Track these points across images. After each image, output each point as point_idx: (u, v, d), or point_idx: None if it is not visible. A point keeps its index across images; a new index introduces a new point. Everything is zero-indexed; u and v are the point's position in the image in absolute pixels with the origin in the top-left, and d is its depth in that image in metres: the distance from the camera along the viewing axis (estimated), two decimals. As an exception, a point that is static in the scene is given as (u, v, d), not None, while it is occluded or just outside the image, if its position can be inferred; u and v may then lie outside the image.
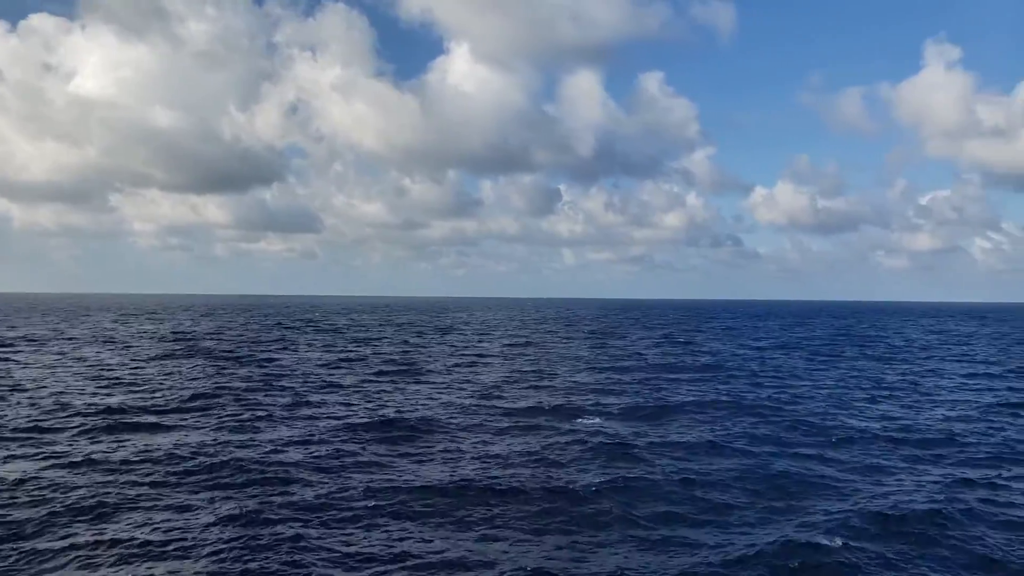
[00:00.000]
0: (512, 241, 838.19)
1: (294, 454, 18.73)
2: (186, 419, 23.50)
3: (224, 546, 12.33)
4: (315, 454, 18.80)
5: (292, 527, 13.20)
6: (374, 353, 49.15)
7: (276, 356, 46.19)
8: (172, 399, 27.38)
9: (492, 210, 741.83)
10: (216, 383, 32.10)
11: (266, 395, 29.07)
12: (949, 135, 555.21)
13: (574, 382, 34.93)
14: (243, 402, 27.15)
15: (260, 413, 24.64)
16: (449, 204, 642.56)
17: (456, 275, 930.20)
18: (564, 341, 65.40)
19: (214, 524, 13.36)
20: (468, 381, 34.75)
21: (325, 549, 12.29)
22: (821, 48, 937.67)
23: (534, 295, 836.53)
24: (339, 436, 21.04)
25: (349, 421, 23.34)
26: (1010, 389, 35.01)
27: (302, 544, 12.47)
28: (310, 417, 24.27)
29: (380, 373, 37.49)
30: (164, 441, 20.16)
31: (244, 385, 31.65)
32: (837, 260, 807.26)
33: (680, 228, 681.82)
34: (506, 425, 23.43)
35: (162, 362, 41.48)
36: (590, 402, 28.52)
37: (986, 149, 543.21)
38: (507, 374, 38.01)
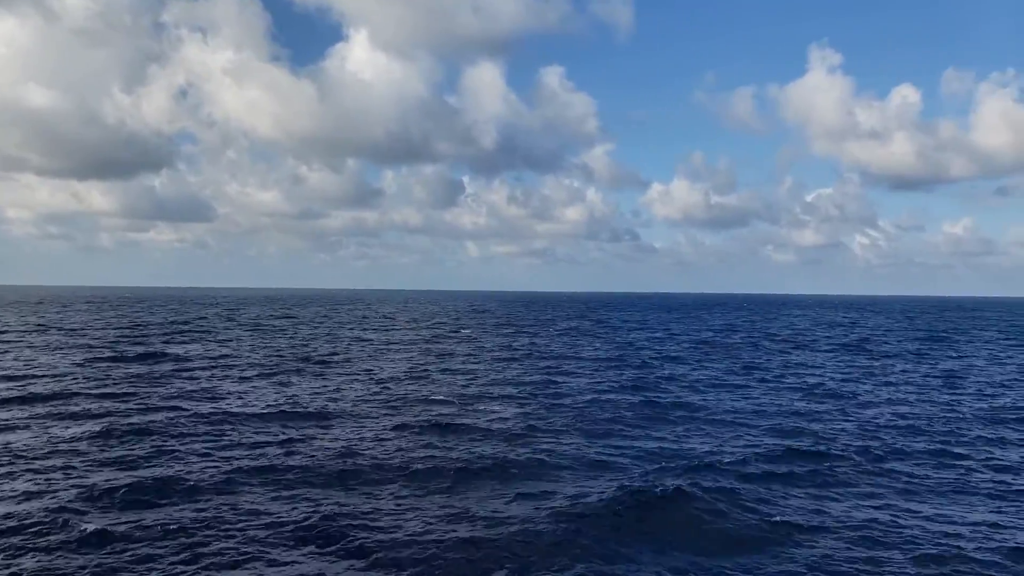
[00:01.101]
0: (415, 233, 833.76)
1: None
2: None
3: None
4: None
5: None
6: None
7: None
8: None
9: (394, 201, 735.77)
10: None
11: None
12: (831, 136, 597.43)
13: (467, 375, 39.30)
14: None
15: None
16: (349, 194, 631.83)
17: (357, 267, 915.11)
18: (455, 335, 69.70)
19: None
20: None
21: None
22: (715, 48, 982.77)
23: (438, 288, 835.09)
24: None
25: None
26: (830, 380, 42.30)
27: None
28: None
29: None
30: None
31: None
32: (729, 254, 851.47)
33: (581, 222, 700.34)
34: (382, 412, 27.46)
35: None
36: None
37: (864, 150, 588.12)
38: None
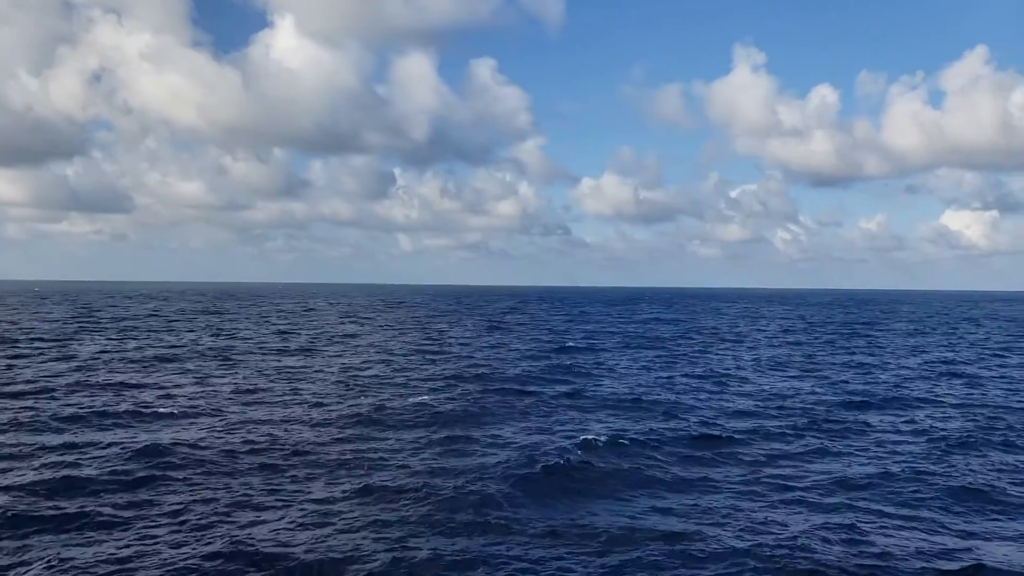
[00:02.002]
0: (345, 225, 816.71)
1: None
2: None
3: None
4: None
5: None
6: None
7: None
8: None
9: (323, 192, 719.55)
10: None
11: None
12: (755, 133, 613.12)
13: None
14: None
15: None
16: (276, 184, 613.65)
17: (285, 260, 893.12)
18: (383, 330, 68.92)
19: None
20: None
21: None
22: (643, 43, 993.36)
23: (370, 281, 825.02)
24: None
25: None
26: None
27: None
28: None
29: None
30: None
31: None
32: (658, 249, 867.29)
33: (514, 216, 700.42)
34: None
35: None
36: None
37: (785, 148, 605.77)
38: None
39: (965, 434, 22.62)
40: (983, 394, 31.48)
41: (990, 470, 18.90)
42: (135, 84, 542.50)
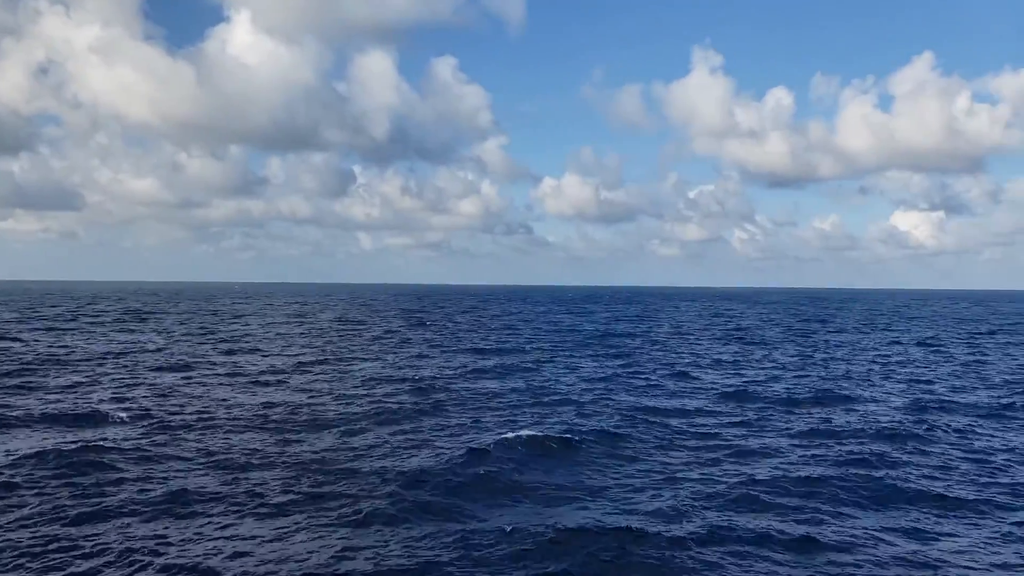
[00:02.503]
0: (304, 223, 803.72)
1: None
2: None
3: None
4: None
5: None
6: None
7: None
8: None
9: (281, 190, 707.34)
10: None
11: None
12: (713, 134, 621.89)
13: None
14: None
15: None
16: (233, 182, 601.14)
17: (242, 258, 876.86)
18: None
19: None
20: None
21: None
22: (603, 44, 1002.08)
23: (329, 280, 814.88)
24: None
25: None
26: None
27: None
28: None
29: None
30: None
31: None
32: (618, 248, 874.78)
33: (476, 215, 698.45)
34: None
35: None
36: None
37: (743, 149, 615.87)
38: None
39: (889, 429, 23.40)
40: (920, 390, 32.49)
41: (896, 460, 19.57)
42: (84, 78, 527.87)
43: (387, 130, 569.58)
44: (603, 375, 35.45)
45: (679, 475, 18.06)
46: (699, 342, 55.50)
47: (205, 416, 23.86)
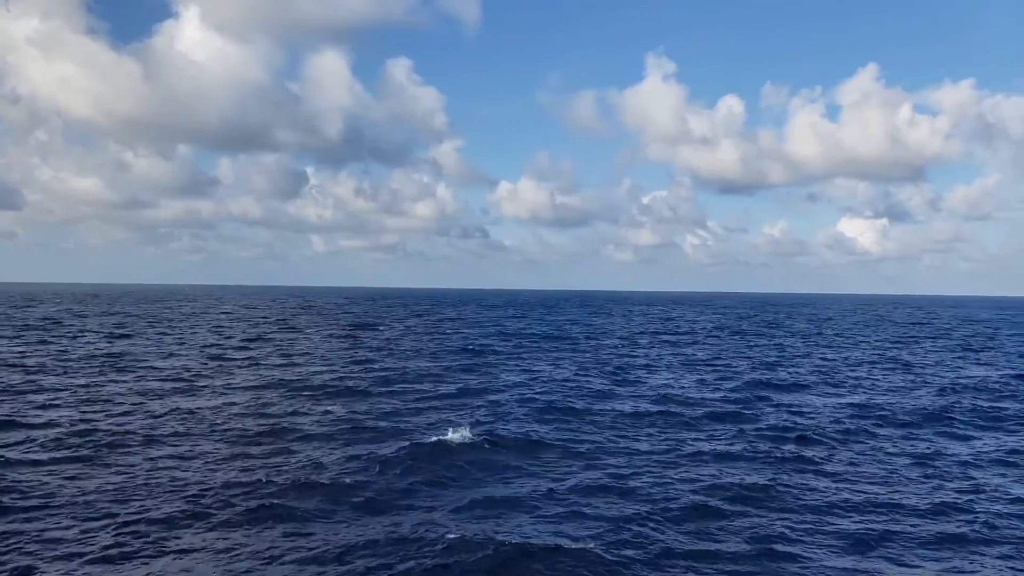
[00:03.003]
0: (255, 225, 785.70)
1: None
2: None
3: None
4: None
5: None
6: None
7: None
8: None
9: (231, 190, 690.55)
10: None
11: None
12: (666, 141, 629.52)
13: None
14: None
15: None
16: (181, 182, 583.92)
17: (192, 261, 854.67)
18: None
19: None
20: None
21: None
22: (559, 49, 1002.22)
23: (282, 283, 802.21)
24: None
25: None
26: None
27: None
28: None
29: None
30: None
31: None
32: (574, 253, 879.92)
33: (431, 218, 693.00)
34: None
35: None
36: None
37: (695, 155, 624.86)
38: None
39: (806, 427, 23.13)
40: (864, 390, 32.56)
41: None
42: (23, 72, 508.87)
43: (341, 131, 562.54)
44: (547, 378, 34.89)
45: (594, 481, 17.62)
46: (647, 346, 55.37)
47: (119, 426, 22.44)
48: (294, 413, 25.08)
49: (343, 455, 19.43)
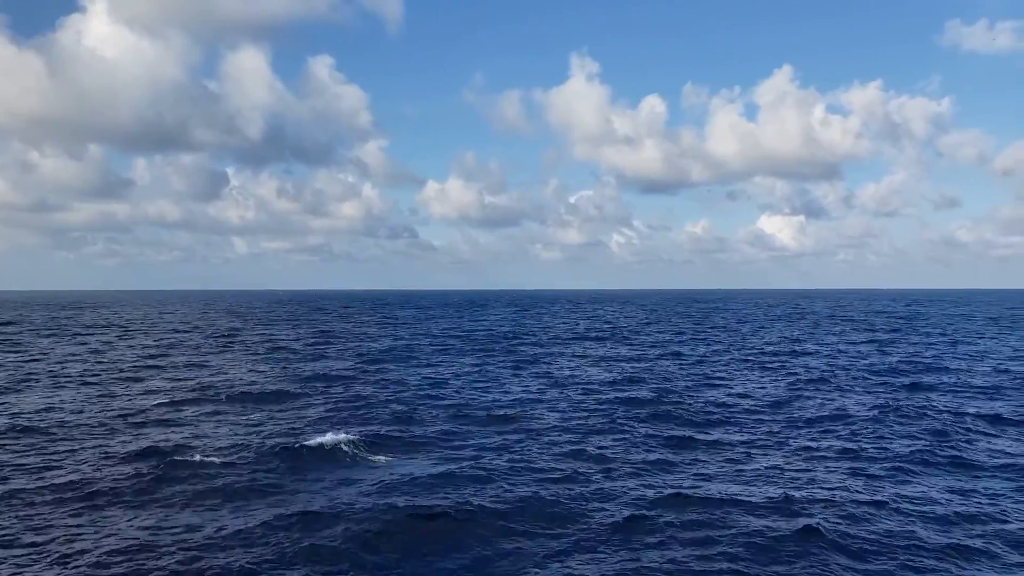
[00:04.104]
0: (174, 228, 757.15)
1: None
2: None
3: None
4: None
5: None
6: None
7: None
8: None
9: (148, 192, 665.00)
10: None
11: None
12: (591, 141, 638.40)
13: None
14: None
15: None
16: (93, 184, 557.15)
17: (107, 265, 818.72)
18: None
19: None
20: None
21: None
22: (483, 48, 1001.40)
23: (204, 287, 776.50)
24: None
25: None
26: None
27: None
28: None
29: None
30: None
31: None
32: (503, 252, 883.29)
33: (358, 218, 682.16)
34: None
35: None
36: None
37: (619, 155, 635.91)
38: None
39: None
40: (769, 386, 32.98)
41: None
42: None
43: (262, 130, 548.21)
44: (461, 376, 34.32)
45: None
46: (567, 343, 55.31)
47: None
48: (171, 423, 23.67)
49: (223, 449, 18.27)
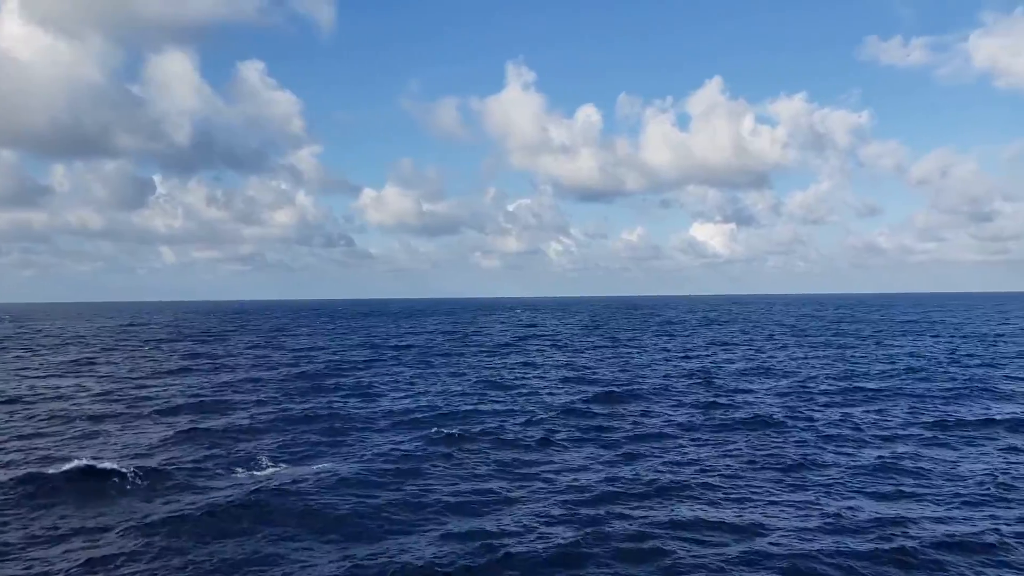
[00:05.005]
0: (96, 237, 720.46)
1: None
2: None
3: None
4: None
5: None
6: None
7: None
8: None
9: (67, 200, 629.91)
10: None
11: None
12: (528, 149, 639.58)
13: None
14: None
15: None
16: (6, 191, 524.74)
17: (22, 277, 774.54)
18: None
19: None
20: None
21: None
22: (418, 55, 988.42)
23: (130, 299, 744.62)
24: None
25: None
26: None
27: None
28: None
29: None
30: None
31: None
32: (442, 260, 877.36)
33: (291, 226, 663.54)
34: None
35: None
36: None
37: (556, 164, 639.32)
38: None
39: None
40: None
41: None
42: None
43: (190, 136, 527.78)
44: (394, 386, 31.54)
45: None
46: (504, 353, 53.20)
47: None
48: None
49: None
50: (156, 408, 27.42)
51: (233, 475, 17.85)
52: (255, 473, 17.98)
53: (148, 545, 13.18)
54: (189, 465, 18.57)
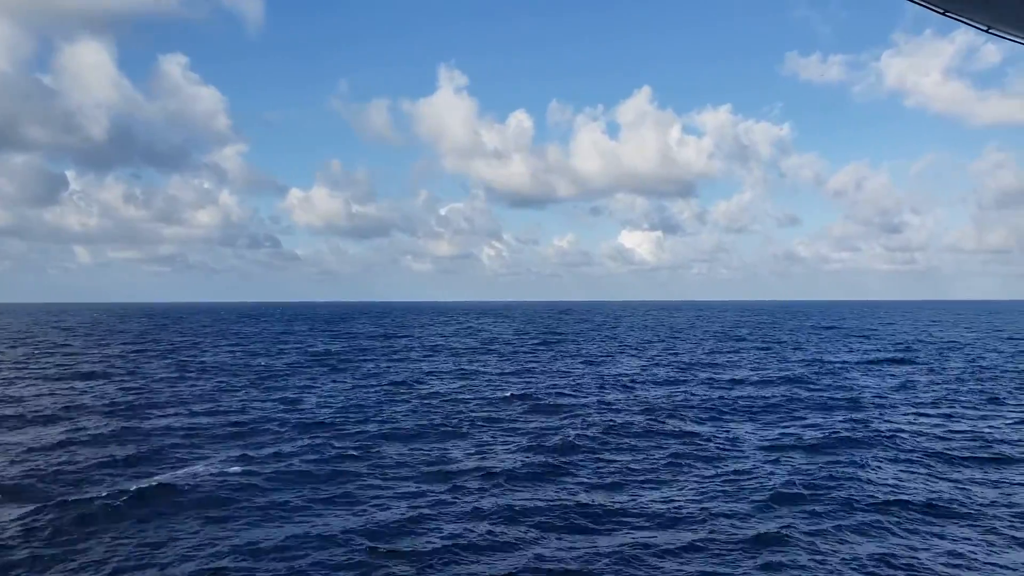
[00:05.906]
0: (5, 235, 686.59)
1: None
2: None
3: None
4: None
5: None
6: None
7: None
8: None
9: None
10: None
11: None
12: (460, 153, 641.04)
13: None
14: None
15: None
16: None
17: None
18: None
19: None
20: None
21: None
22: (348, 55, 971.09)
23: (41, 300, 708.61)
24: None
25: None
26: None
27: None
28: None
29: None
30: None
31: None
32: (373, 263, 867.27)
33: (215, 226, 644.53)
34: None
35: None
36: None
37: (488, 168, 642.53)
38: None
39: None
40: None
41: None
42: None
43: (106, 130, 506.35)
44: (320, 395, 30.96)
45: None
46: (421, 357, 52.91)
47: None
48: None
49: None
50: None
51: (116, 478, 17.56)
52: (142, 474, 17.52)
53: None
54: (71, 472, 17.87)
